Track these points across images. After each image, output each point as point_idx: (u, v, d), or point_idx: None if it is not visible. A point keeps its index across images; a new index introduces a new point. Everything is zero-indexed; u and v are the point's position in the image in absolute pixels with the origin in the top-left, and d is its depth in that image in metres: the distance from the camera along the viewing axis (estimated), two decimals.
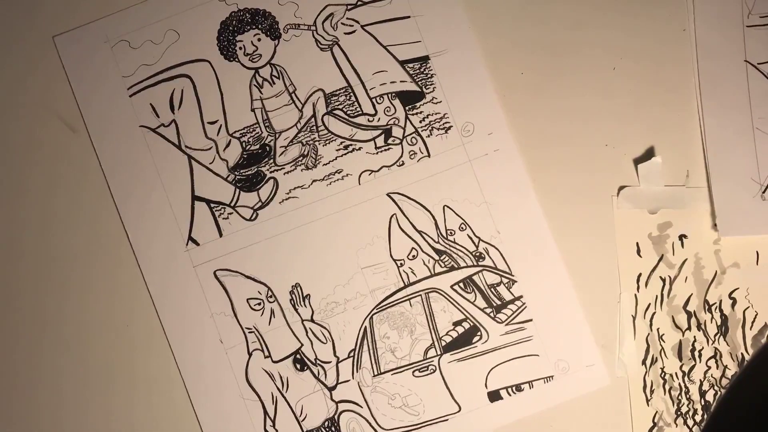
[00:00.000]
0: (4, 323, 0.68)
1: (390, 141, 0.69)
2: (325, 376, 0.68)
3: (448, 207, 0.69)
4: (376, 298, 0.68)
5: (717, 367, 0.68)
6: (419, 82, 0.69)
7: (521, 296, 0.68)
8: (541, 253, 0.68)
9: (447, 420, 0.68)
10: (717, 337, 0.68)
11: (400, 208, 0.69)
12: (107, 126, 0.69)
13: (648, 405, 0.67)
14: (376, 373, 0.68)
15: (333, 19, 0.70)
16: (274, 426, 0.67)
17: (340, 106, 0.69)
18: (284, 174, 0.69)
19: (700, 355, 0.68)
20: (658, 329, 0.68)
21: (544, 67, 0.69)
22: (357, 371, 0.68)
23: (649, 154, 0.69)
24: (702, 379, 0.68)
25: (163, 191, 0.69)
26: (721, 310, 0.68)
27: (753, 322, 0.68)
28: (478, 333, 0.68)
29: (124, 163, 0.69)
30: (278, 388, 0.68)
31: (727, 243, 0.68)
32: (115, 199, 0.69)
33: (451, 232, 0.69)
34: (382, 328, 0.68)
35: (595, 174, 0.69)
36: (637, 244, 0.68)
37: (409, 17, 0.69)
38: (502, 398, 0.68)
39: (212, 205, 0.69)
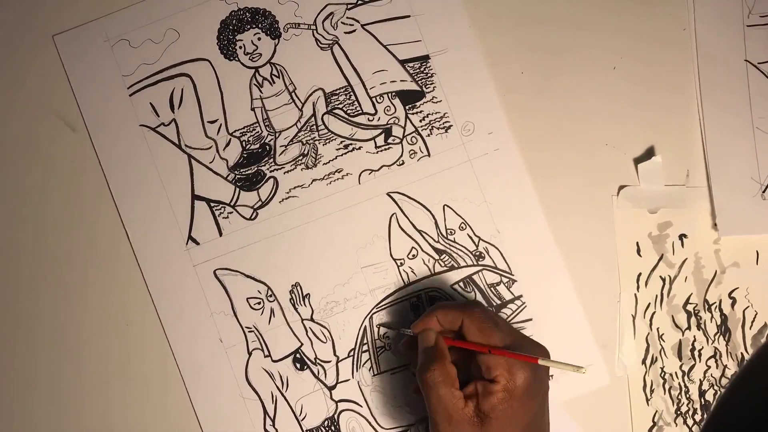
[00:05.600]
0: (3, 323, 0.68)
1: (390, 140, 0.69)
2: (325, 376, 0.68)
3: (448, 206, 0.69)
4: (375, 298, 0.68)
5: (717, 366, 0.68)
6: (419, 82, 0.69)
7: (521, 295, 0.68)
8: (540, 252, 0.68)
9: None
10: (717, 337, 0.68)
11: (400, 208, 0.69)
12: (107, 125, 0.69)
13: (648, 404, 0.67)
14: (376, 372, 0.68)
15: (333, 18, 0.69)
16: (273, 425, 0.67)
17: (340, 106, 0.69)
18: (284, 173, 0.69)
19: (699, 355, 0.68)
20: (657, 329, 0.68)
21: (544, 66, 0.69)
22: (357, 370, 0.68)
23: (649, 153, 0.69)
24: (702, 379, 0.68)
25: (162, 190, 0.68)
26: (720, 310, 0.68)
27: (753, 322, 0.68)
28: None
29: (123, 163, 0.69)
30: (278, 388, 0.68)
31: (726, 242, 0.68)
32: (114, 198, 0.68)
33: (451, 232, 0.69)
34: (381, 328, 0.68)
35: (595, 173, 0.69)
36: (637, 243, 0.68)
37: (409, 16, 0.69)
38: None
39: (212, 204, 0.69)
